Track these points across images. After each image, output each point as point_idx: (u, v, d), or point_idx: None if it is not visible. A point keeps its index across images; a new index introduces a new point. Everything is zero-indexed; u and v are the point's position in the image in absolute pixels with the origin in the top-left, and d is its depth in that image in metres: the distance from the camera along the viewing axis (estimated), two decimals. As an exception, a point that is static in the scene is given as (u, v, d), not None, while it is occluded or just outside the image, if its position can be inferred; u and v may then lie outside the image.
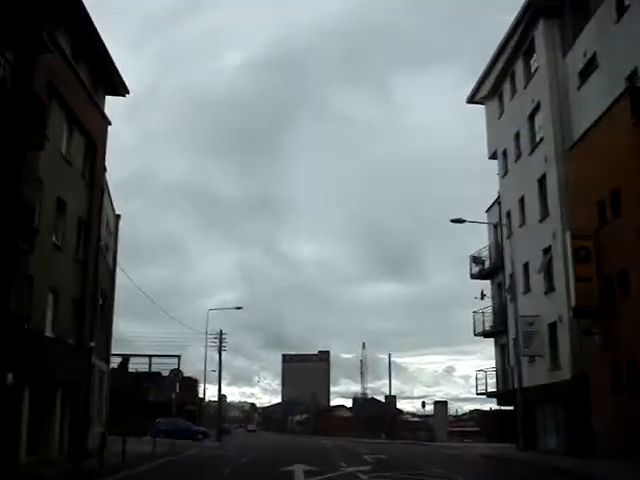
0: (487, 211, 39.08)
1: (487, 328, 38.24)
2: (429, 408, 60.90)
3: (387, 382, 58.46)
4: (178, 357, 61.79)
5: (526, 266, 31.56)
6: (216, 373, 56.38)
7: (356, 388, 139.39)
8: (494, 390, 37.30)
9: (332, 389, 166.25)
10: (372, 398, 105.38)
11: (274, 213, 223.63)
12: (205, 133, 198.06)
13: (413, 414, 77.67)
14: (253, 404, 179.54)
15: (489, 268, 38.28)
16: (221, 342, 55.64)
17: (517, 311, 29.75)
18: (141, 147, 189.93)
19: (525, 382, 29.67)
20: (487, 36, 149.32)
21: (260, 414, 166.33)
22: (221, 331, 56.10)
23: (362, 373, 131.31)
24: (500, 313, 36.12)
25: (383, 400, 78.94)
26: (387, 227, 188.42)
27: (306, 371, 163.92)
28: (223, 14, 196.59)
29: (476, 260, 38.53)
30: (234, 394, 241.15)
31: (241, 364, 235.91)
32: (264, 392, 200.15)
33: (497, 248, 36.92)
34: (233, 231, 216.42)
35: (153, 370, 60.98)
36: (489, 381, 37.37)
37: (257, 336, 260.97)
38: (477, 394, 38.92)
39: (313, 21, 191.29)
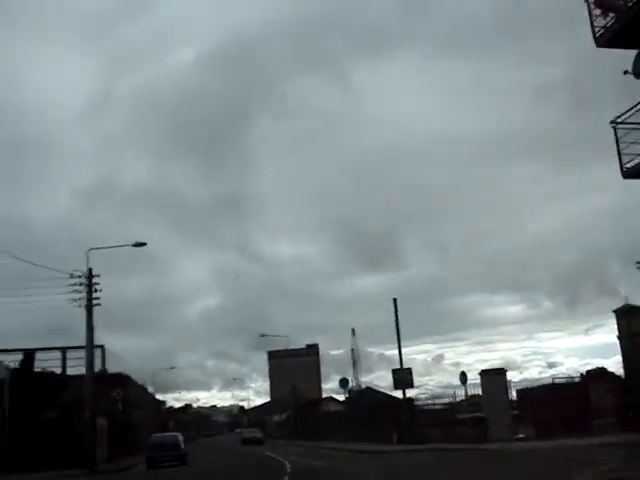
0: None
1: None
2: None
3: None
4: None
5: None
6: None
7: (349, 383, 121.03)
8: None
9: (324, 386, 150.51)
10: (369, 388, 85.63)
11: (245, 212, 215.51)
12: (164, 134, 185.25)
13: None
14: (242, 407, 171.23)
15: None
16: (91, 292, 31.45)
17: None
18: (99, 153, 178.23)
19: None
20: (450, 19, 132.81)
21: (248, 417, 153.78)
22: (90, 271, 31.73)
23: (354, 363, 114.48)
24: None
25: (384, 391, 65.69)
26: (362, 219, 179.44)
27: (295, 367, 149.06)
28: (173, 9, 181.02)
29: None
30: (227, 399, 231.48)
31: (232, 368, 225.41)
32: (257, 394, 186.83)
33: None
34: (205, 234, 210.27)
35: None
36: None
37: (243, 339, 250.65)
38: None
39: (266, 13, 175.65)
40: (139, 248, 36.56)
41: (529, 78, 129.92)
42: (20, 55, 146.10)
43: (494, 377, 33.85)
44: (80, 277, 34.55)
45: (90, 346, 34.53)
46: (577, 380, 36.68)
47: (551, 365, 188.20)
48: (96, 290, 34.83)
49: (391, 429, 39.89)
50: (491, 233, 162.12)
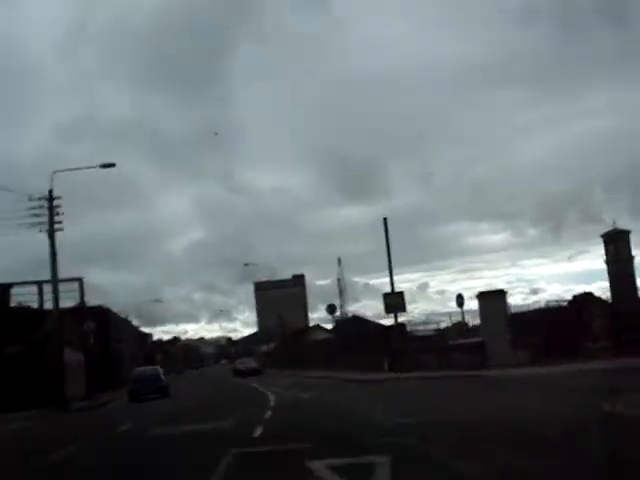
0: None
1: None
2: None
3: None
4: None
5: None
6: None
7: (336, 310, 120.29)
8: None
9: (310, 316, 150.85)
10: (355, 316, 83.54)
11: (226, 143, 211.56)
12: (143, 64, 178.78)
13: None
14: (230, 338, 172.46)
15: None
16: (52, 215, 28.50)
17: None
18: (78, 87, 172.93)
19: None
20: None
21: (236, 348, 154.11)
22: (51, 193, 28.93)
23: (341, 292, 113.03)
24: None
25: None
26: (346, 148, 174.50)
27: (281, 298, 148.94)
28: None
29: None
30: (215, 331, 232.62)
31: (218, 300, 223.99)
32: (245, 326, 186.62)
33: None
34: (188, 166, 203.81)
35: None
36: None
37: (230, 271, 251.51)
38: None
39: None
40: (114, 174, 33.52)
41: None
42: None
43: (493, 300, 31.26)
44: (40, 200, 31.48)
45: (54, 275, 31.70)
46: (565, 305, 34.15)
47: (534, 291, 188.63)
48: (58, 214, 31.74)
49: (382, 356, 37.64)
50: (476, 161, 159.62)
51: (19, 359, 32.71)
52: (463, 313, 32.39)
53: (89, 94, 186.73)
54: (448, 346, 34.25)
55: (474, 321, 36.22)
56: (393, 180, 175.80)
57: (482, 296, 31.98)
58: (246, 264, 73.33)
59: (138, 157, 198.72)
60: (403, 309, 36.27)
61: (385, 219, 36.66)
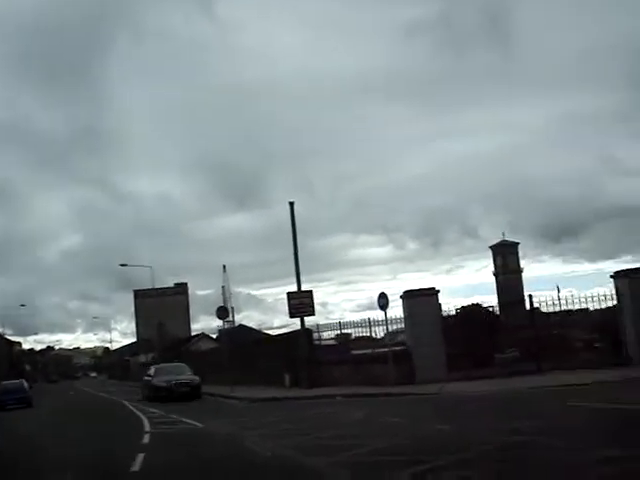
0: None
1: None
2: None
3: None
4: None
5: None
6: None
7: (217, 323, 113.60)
8: None
9: (193, 326, 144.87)
10: (242, 325, 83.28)
11: (106, 147, 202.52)
12: (16, 63, 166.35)
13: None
14: (107, 348, 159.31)
15: None
16: None
17: None
18: None
19: None
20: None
21: (111, 358, 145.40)
22: None
23: (225, 301, 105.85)
24: None
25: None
26: (229, 156, 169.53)
27: (162, 307, 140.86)
28: None
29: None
30: (92, 341, 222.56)
31: (95, 309, 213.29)
32: (123, 336, 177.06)
33: None
34: (64, 170, 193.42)
35: None
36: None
37: (108, 279, 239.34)
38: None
39: None
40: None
41: (401, 16, 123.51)
42: None
43: (423, 300, 25.86)
44: None
45: None
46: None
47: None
48: None
49: (281, 369, 31.49)
50: (358, 174, 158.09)
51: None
52: (387, 318, 26.47)
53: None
54: (367, 357, 28.50)
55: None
56: (276, 191, 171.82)
57: (409, 295, 26.55)
58: (123, 264, 65.23)
59: (10, 159, 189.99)
60: (312, 312, 30.20)
61: (292, 203, 30.75)
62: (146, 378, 32.88)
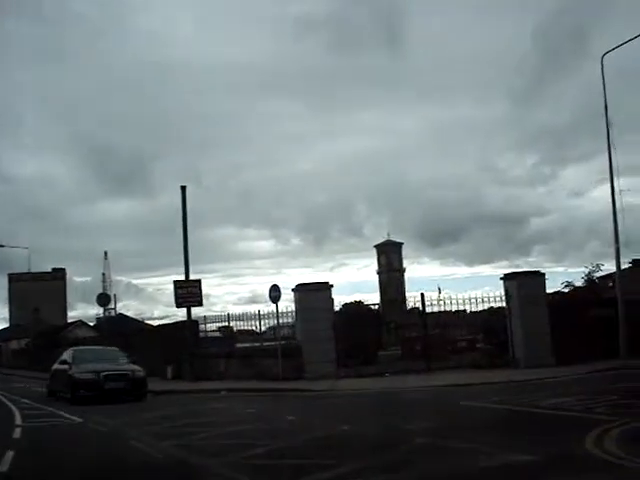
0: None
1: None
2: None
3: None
4: None
5: None
6: None
7: (95, 311, 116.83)
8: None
9: (70, 313, 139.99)
10: (122, 314, 78.05)
11: None
12: None
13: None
14: None
15: None
16: None
17: None
18: None
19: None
20: None
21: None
22: None
23: (105, 288, 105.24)
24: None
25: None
26: (115, 141, 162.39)
27: (39, 292, 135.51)
28: None
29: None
30: None
31: None
32: None
33: None
34: None
35: None
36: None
37: None
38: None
39: None
40: None
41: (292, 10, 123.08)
42: None
43: (315, 294, 25.47)
44: None
45: None
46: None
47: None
48: None
49: (164, 360, 30.27)
50: (246, 166, 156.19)
51: None
52: (278, 311, 25.92)
53: None
54: (255, 350, 27.83)
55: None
56: (163, 178, 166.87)
57: (301, 288, 26.09)
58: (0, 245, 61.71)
59: None
60: (200, 302, 29.16)
61: (183, 187, 29.66)
62: (59, 367, 22.32)
